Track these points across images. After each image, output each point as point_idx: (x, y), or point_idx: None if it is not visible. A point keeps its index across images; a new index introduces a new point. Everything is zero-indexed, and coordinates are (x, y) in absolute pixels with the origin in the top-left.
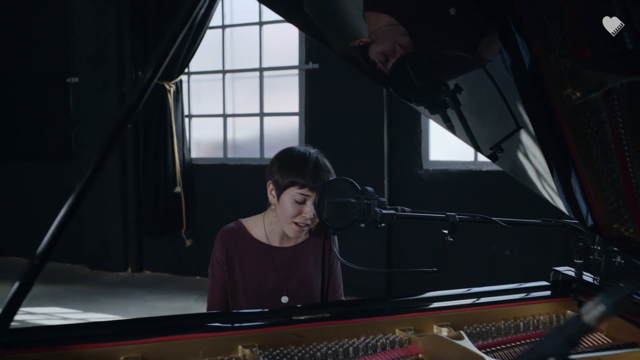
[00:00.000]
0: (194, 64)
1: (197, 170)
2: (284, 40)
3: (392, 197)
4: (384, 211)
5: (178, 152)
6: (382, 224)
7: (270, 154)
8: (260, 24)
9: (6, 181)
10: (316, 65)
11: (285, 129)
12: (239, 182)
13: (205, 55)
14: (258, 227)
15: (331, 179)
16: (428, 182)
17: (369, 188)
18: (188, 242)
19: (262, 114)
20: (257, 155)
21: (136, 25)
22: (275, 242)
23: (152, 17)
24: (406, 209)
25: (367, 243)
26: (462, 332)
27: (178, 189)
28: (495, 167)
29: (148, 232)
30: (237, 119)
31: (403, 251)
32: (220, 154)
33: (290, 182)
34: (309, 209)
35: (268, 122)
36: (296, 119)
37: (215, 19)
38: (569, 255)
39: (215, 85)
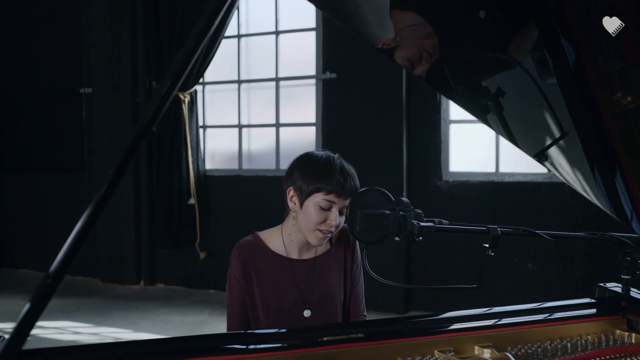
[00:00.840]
0: (209, 74)
1: (212, 182)
2: (301, 49)
3: None
4: (421, 224)
5: (192, 163)
6: (420, 238)
7: (286, 165)
8: (277, 33)
9: (18, 192)
10: (333, 75)
11: (301, 140)
12: (254, 194)
13: (220, 65)
14: (275, 239)
15: (364, 189)
16: (448, 194)
17: (404, 199)
18: (202, 255)
19: (278, 125)
20: (273, 167)
21: (150, 35)
22: (294, 254)
23: (166, 28)
24: (443, 221)
25: (385, 256)
26: (508, 354)
27: (192, 201)
28: (517, 178)
29: (161, 244)
30: (252, 129)
31: (424, 264)
32: (235, 165)
33: (316, 188)
34: (334, 216)
35: (284, 133)
36: (313, 129)
37: (231, 29)
38: (593, 268)
39: (231, 96)
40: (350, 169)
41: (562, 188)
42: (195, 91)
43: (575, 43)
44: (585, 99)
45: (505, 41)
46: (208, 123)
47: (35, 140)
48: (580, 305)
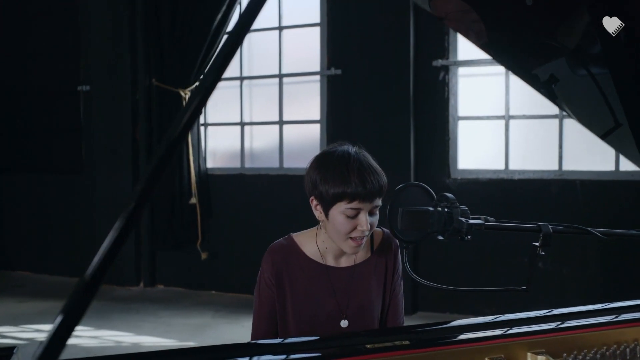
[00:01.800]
0: None
1: (213, 181)
2: (305, 45)
3: None
4: (470, 221)
5: (193, 162)
6: (468, 237)
7: (289, 163)
8: (280, 28)
9: (14, 193)
10: (339, 71)
11: (305, 138)
12: (257, 193)
13: None
14: (310, 243)
15: (402, 185)
16: (457, 192)
17: (449, 195)
18: (203, 255)
19: (281, 122)
20: (276, 165)
21: (151, 32)
22: (331, 262)
23: (167, 24)
24: (489, 218)
25: None
26: None
27: (193, 200)
28: (527, 175)
29: (162, 244)
30: (255, 127)
31: (431, 264)
32: (237, 164)
33: (337, 197)
34: (364, 221)
35: (288, 131)
36: (317, 127)
37: (232, 24)
38: (605, 269)
39: (233, 93)
40: (370, 163)
41: (573, 185)
42: (196, 88)
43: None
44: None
45: (554, 27)
46: (209, 121)
47: (31, 139)
48: (629, 307)
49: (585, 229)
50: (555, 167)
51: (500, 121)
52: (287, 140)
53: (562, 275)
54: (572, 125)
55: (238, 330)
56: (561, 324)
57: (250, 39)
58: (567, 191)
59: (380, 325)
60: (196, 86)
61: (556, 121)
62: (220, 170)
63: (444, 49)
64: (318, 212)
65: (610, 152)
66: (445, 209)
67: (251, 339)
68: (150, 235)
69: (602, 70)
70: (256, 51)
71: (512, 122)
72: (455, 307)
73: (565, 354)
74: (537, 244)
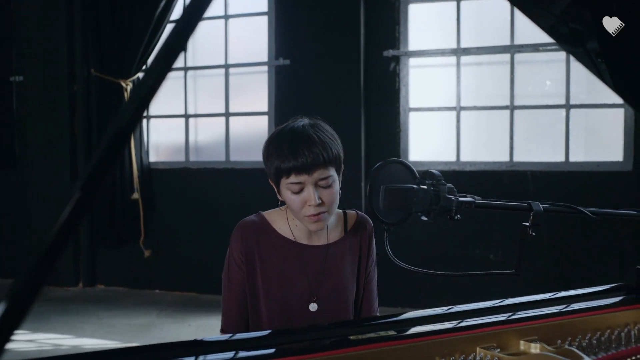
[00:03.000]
0: None
1: (157, 175)
2: (252, 34)
3: None
4: (460, 198)
5: (135, 155)
6: (457, 216)
7: (236, 156)
8: (226, 17)
9: None
10: (287, 62)
11: (253, 130)
12: (203, 188)
13: None
14: (281, 221)
15: (381, 162)
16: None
17: (434, 171)
18: (147, 253)
19: (227, 114)
20: (223, 159)
21: (89, 20)
22: (303, 240)
23: (107, 12)
24: (476, 197)
25: None
26: (574, 349)
27: (135, 196)
28: (479, 167)
29: (102, 242)
30: (200, 119)
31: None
32: (181, 158)
33: (277, 174)
34: (311, 195)
35: (234, 123)
36: (265, 118)
37: (177, 12)
38: (557, 259)
39: (176, 84)
40: (310, 134)
41: (524, 176)
42: (138, 79)
43: None
44: None
45: None
46: (152, 113)
47: None
48: (613, 290)
49: (576, 207)
50: (507, 158)
51: (452, 112)
52: (234, 133)
53: (512, 266)
54: (523, 116)
55: (185, 329)
56: (554, 309)
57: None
58: (518, 182)
59: (354, 313)
60: (140, 79)
61: (507, 112)
62: (163, 164)
63: (395, 39)
64: (276, 191)
65: (560, 143)
66: (432, 187)
67: (222, 327)
68: (90, 232)
69: None
70: (201, 40)
71: (463, 113)
72: (410, 302)
73: (559, 341)
74: (527, 223)
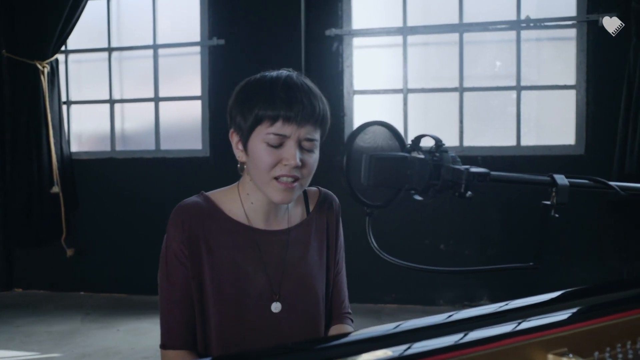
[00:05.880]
0: (73, 41)
1: (79, 167)
2: (183, 12)
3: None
4: (472, 170)
5: (55, 145)
6: (469, 192)
7: (167, 145)
8: None
9: None
10: (221, 41)
11: (185, 116)
12: (131, 179)
13: (86, 30)
14: (232, 201)
15: (360, 125)
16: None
17: (433, 135)
18: (69, 252)
19: (157, 99)
20: (152, 147)
21: None
22: (259, 224)
23: None
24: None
25: None
26: None
27: (55, 190)
28: None
29: (18, 242)
30: (126, 105)
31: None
32: (107, 147)
33: (256, 119)
34: (291, 152)
35: (165, 109)
36: (198, 103)
37: None
38: (508, 247)
39: (100, 66)
40: (309, 84)
41: (475, 161)
42: (57, 60)
43: None
44: None
45: None
46: (73, 98)
47: None
48: (629, 283)
49: (605, 182)
50: (456, 142)
51: (398, 95)
52: (164, 120)
53: (465, 256)
54: (473, 99)
55: (112, 335)
56: (563, 315)
57: (119, 5)
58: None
59: (325, 310)
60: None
61: (456, 94)
62: (86, 154)
63: (338, 17)
64: (239, 151)
65: (511, 126)
66: (431, 156)
67: (163, 341)
68: (4, 231)
69: None
70: (127, 19)
71: (410, 95)
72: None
73: (597, 353)
74: (549, 202)
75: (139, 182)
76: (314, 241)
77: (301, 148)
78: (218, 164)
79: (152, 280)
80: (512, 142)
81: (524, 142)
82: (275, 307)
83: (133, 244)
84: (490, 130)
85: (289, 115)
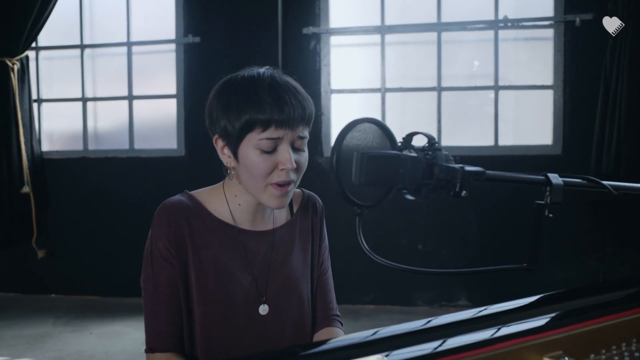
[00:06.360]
0: (44, 37)
1: (50, 166)
2: (157, 9)
3: None
4: (467, 168)
5: (25, 144)
6: (464, 192)
7: (141, 144)
8: None
9: None
10: (197, 39)
11: (160, 115)
12: (104, 179)
13: (58, 27)
14: (217, 201)
15: (350, 122)
16: (329, 172)
17: (427, 133)
18: (40, 254)
19: (131, 98)
20: (126, 147)
21: None
22: (245, 224)
23: None
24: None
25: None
26: None
27: (26, 189)
28: None
29: None
30: (99, 103)
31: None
32: (79, 146)
33: (246, 126)
34: (286, 157)
35: (139, 107)
36: (173, 102)
37: None
38: (486, 247)
39: (72, 64)
40: (292, 83)
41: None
42: (27, 57)
43: None
44: None
45: None
46: (44, 96)
47: None
48: (624, 283)
49: (599, 181)
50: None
51: (376, 94)
52: (138, 119)
53: (444, 257)
54: (451, 99)
55: (86, 338)
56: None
57: (92, 1)
58: None
59: (311, 311)
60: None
61: (434, 94)
62: (58, 153)
63: (315, 15)
64: (226, 157)
65: (489, 127)
66: (424, 154)
67: (149, 345)
68: None
69: None
70: (100, 15)
71: (388, 95)
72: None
73: (593, 355)
74: (543, 202)
75: (113, 182)
76: (298, 242)
77: (294, 148)
78: (193, 163)
79: (126, 282)
80: (489, 141)
81: (502, 141)
82: (263, 309)
83: (106, 245)
84: (468, 130)
85: (281, 119)
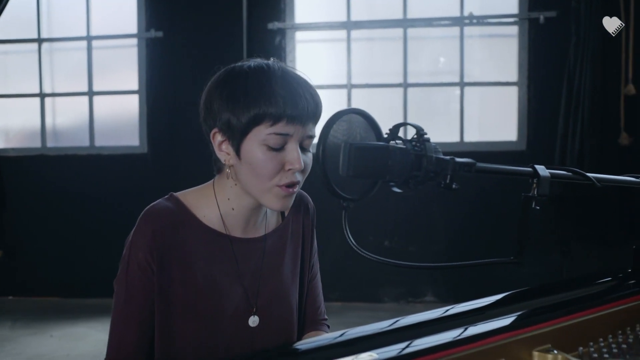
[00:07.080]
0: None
1: (7, 164)
2: (119, 2)
3: None
4: (457, 160)
5: None
6: (454, 185)
7: (102, 141)
8: None
9: None
10: (159, 34)
11: (121, 111)
12: (64, 177)
13: (13, 20)
14: (207, 206)
15: (336, 113)
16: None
17: (414, 124)
18: None
19: (91, 93)
20: (86, 144)
21: None
22: (237, 231)
23: None
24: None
25: None
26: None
27: None
28: None
29: None
30: (58, 99)
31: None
32: (37, 143)
33: (255, 118)
34: (295, 155)
35: (99, 103)
36: (135, 97)
37: None
38: (453, 244)
39: (29, 58)
40: (304, 77)
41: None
42: None
43: None
44: None
45: None
46: (0, 92)
47: None
48: (616, 277)
49: (583, 173)
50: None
51: (342, 90)
52: (99, 115)
53: (409, 253)
54: (416, 95)
55: (46, 341)
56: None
57: None
58: None
59: (299, 318)
60: None
61: (400, 90)
62: (15, 151)
63: (281, 10)
64: (225, 154)
65: (455, 123)
66: (412, 145)
67: (111, 353)
68: None
69: None
70: (58, 8)
71: (354, 91)
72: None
73: (581, 348)
74: (530, 194)
75: (72, 180)
76: (289, 247)
77: (301, 148)
78: (156, 161)
79: (87, 283)
80: (455, 138)
81: (467, 138)
82: (253, 320)
83: (65, 245)
84: (433, 126)
85: (294, 114)
